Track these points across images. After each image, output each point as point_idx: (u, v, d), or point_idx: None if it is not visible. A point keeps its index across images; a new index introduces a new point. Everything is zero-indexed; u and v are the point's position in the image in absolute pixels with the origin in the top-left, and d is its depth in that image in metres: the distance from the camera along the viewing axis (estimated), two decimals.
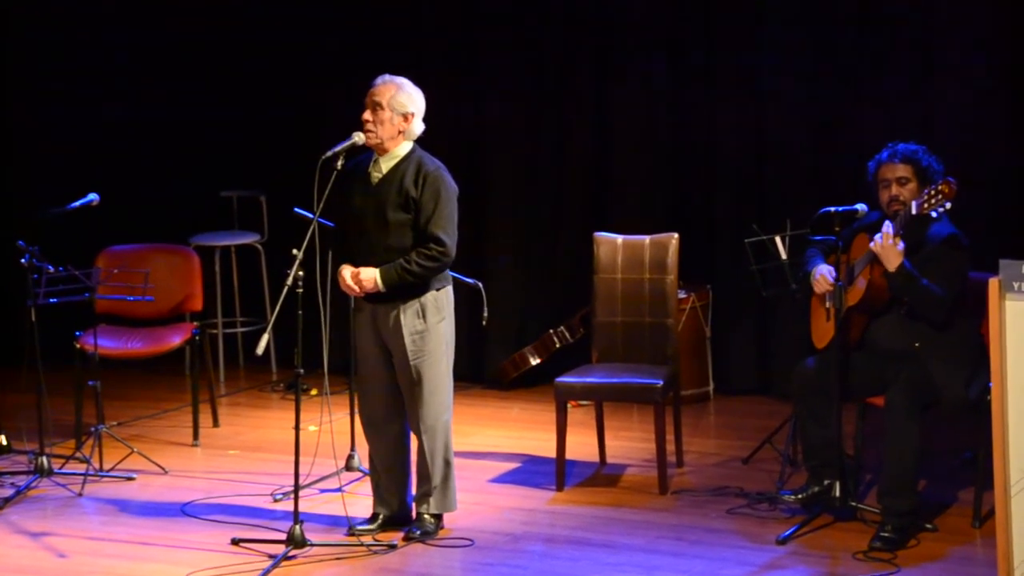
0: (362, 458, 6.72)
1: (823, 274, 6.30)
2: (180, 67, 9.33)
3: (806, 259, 6.50)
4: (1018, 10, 7.59)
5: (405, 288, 6.03)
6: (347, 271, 6.05)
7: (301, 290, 5.89)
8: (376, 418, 6.25)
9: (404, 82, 6.10)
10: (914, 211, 5.97)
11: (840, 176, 7.93)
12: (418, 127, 6.11)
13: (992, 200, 7.68)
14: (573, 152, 8.65)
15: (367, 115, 6.06)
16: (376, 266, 6.03)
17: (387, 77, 6.11)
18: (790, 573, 5.79)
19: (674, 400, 7.04)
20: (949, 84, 7.79)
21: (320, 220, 5.97)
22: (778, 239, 6.97)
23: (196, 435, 7.70)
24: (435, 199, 6.01)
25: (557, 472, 6.83)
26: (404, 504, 6.31)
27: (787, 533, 6.11)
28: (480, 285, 6.96)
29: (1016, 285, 5.00)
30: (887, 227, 6.03)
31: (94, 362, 7.17)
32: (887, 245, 5.98)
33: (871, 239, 6.21)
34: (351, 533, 6.19)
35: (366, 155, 6.15)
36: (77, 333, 7.48)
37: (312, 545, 5.99)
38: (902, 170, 6.20)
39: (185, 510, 6.61)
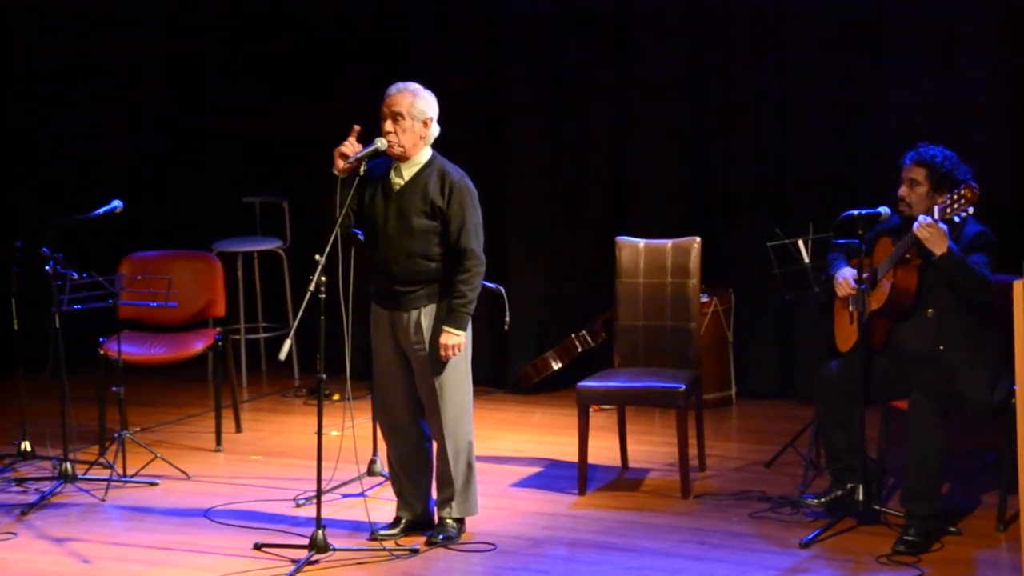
0: (384, 463, 6.72)
1: (846, 277, 6.29)
2: (203, 73, 9.36)
3: (829, 262, 6.48)
4: None
5: (429, 293, 6.05)
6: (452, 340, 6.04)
7: (324, 296, 5.90)
8: (397, 423, 6.25)
9: (418, 88, 6.11)
10: (936, 216, 5.94)
11: (863, 179, 7.92)
12: (436, 131, 6.13)
13: (1016, 203, 7.66)
14: (594, 156, 8.65)
15: (389, 126, 6.05)
16: (398, 271, 6.05)
17: (401, 85, 6.11)
18: None
19: (696, 404, 7.03)
20: (970, 87, 7.77)
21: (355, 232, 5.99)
22: (800, 243, 6.95)
23: (219, 440, 7.72)
24: (463, 211, 6.03)
25: (579, 476, 6.82)
26: (426, 508, 6.31)
27: (810, 537, 6.09)
28: (502, 290, 6.96)
29: None
30: (924, 218, 5.95)
31: (118, 368, 7.19)
32: (933, 230, 5.91)
33: (893, 243, 6.20)
34: (373, 538, 6.20)
35: (383, 161, 6.16)
36: (101, 339, 7.51)
37: (335, 550, 6.00)
38: (915, 172, 6.18)
39: (208, 515, 6.63)
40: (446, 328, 6.03)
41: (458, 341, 6.04)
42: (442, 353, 6.04)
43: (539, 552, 6.13)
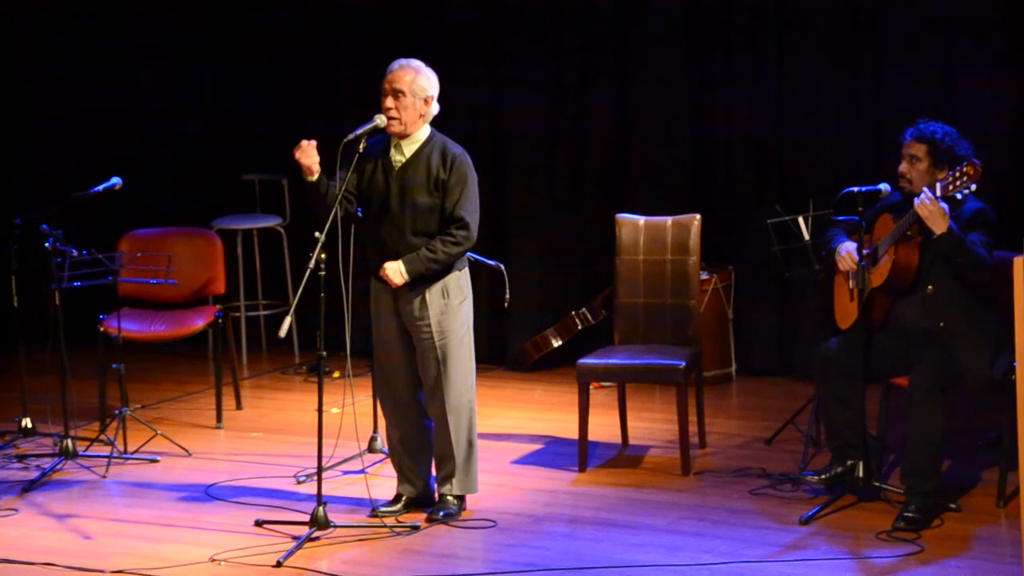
0: (384, 440, 6.73)
1: (849, 251, 6.27)
2: (202, 50, 9.34)
3: (829, 238, 6.47)
4: None
5: (430, 275, 6.04)
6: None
7: (323, 273, 5.89)
8: (397, 401, 6.26)
9: (420, 65, 6.09)
10: (939, 192, 5.93)
11: (863, 156, 7.91)
12: (435, 108, 6.11)
13: (1016, 180, 7.65)
14: (594, 133, 8.63)
15: (389, 103, 6.03)
16: (403, 250, 6.04)
17: (403, 62, 6.09)
18: (813, 553, 5.78)
19: (696, 381, 7.03)
20: (970, 64, 7.75)
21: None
22: (801, 219, 6.95)
23: (219, 417, 7.72)
24: (462, 183, 6.02)
25: (579, 453, 6.83)
26: (427, 485, 6.32)
27: (810, 513, 6.10)
28: (502, 267, 6.95)
29: None
30: (927, 192, 5.94)
31: (118, 345, 7.19)
32: (933, 208, 5.90)
33: (895, 219, 6.19)
34: (374, 515, 6.21)
35: (380, 138, 6.15)
36: (101, 316, 7.51)
37: (335, 527, 6.01)
38: (915, 148, 6.17)
39: (209, 492, 6.64)
40: (398, 264, 5.99)
41: (396, 278, 6.00)
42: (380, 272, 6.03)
43: (539, 529, 6.14)
